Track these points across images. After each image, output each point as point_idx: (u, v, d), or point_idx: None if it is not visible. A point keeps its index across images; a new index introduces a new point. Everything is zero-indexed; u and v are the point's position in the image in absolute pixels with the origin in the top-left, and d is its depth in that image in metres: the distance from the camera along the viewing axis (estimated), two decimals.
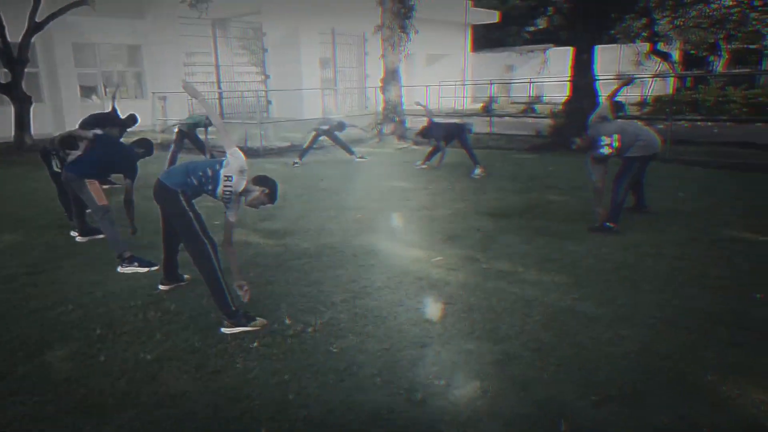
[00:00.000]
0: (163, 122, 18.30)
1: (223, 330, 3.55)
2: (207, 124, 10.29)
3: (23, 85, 13.95)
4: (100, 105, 21.22)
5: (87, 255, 5.31)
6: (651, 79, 23.01)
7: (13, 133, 14.02)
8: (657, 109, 17.36)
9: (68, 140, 6.36)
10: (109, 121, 8.97)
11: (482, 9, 31.07)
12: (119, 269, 4.81)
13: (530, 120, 18.26)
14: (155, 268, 4.70)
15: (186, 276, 4.48)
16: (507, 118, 19.79)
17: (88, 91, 21.68)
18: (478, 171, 9.08)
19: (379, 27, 14.39)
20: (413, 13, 14.39)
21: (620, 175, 5.63)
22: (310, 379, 2.96)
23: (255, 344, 3.37)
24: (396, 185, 8.51)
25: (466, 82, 26.99)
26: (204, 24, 22.53)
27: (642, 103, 20.52)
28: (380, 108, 15.24)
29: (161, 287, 4.36)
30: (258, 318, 3.66)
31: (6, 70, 14.05)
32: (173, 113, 19.72)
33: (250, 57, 28.32)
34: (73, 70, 20.29)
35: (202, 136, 10.58)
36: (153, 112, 19.84)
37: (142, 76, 22.85)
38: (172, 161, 9.82)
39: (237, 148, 3.80)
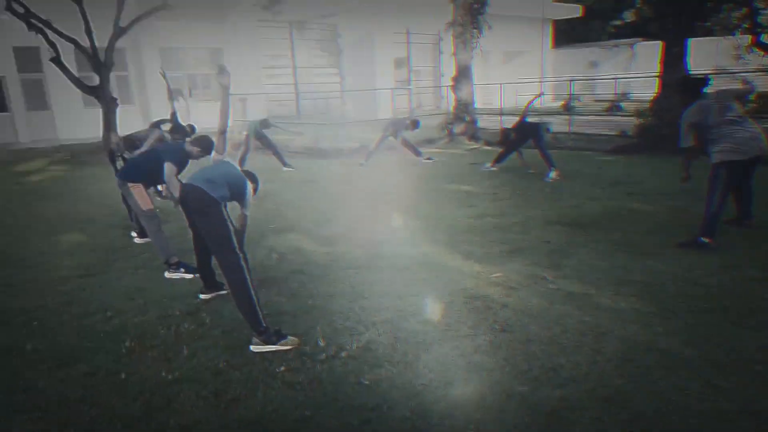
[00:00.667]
0: (240, 123, 18.73)
1: (252, 348, 3.28)
2: (262, 126, 10.30)
3: (111, 87, 14.69)
4: (186, 107, 22.17)
5: (141, 258, 5.26)
6: (754, 75, 20.85)
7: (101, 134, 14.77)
8: (761, 106, 15.62)
9: (130, 141, 6.41)
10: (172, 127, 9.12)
11: (564, 3, 29.61)
12: (166, 275, 4.70)
13: (615, 119, 17.04)
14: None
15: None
16: (589, 117, 18.63)
17: (174, 93, 22.62)
18: (552, 174, 8.39)
19: (451, 23, 13.89)
20: (486, 9, 13.75)
21: (710, 182, 4.81)
22: (332, 418, 2.60)
23: (282, 369, 3.06)
24: (461, 189, 8.01)
25: (544, 79, 25.75)
26: (282, 27, 22.92)
27: (744, 100, 18.59)
28: (451, 107, 14.71)
29: (201, 296, 4.18)
30: (290, 336, 3.37)
31: (94, 73, 14.82)
32: (253, 115, 20.19)
33: (327, 58, 28.63)
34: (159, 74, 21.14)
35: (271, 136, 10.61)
36: (233, 114, 20.35)
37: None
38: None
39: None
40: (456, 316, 3.67)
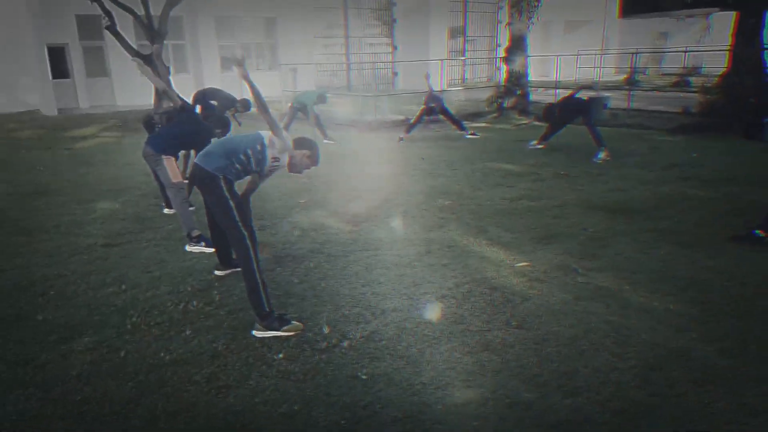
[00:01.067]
0: (292, 94, 18.77)
1: (254, 332, 3.18)
2: (318, 101, 10.15)
3: (166, 56, 14.90)
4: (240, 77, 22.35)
5: (166, 229, 5.27)
6: None
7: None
8: None
9: (169, 111, 6.42)
10: (212, 94, 9.13)
11: None
12: (187, 248, 4.68)
13: (681, 95, 15.91)
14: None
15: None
16: (654, 92, 17.49)
17: (227, 62, 22.82)
18: (602, 155, 7.88)
19: None
20: None
21: None
22: (321, 414, 2.46)
23: (280, 356, 2.95)
24: (501, 168, 7.64)
25: (606, 51, 24.37)
26: None
27: None
28: (503, 80, 14.12)
29: (216, 272, 4.12)
30: (294, 321, 3.25)
31: (148, 42, 15.07)
32: (302, 85, 20.16)
33: (381, 28, 28.10)
34: (214, 42, 21.35)
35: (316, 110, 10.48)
36: (283, 84, 20.44)
37: (276, 48, 23.47)
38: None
39: (284, 132, 3.44)
40: (471, 308, 3.45)
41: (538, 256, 4.32)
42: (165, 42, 19.95)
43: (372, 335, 3.14)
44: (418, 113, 10.51)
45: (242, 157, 3.36)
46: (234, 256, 4.16)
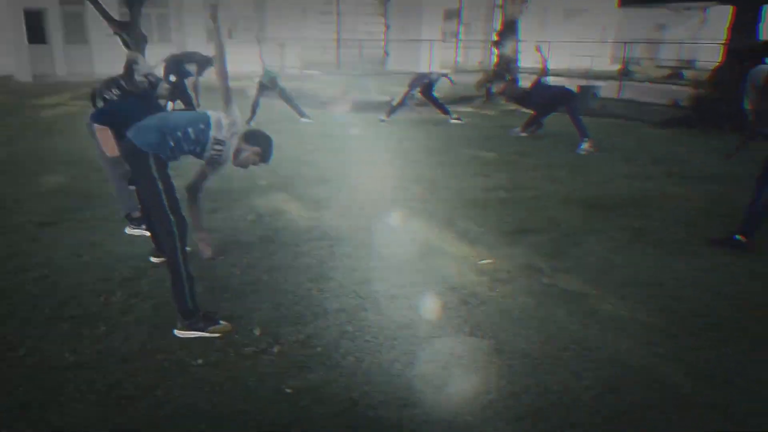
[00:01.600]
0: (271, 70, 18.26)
1: (176, 332, 2.84)
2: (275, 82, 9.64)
3: (150, 24, 14.25)
4: (221, 49, 21.71)
5: (111, 208, 4.85)
6: None
7: None
8: None
9: (110, 82, 5.97)
10: (188, 57, 8.69)
11: None
12: (126, 230, 4.32)
13: (674, 88, 15.62)
14: None
15: (207, 254, 3.84)
16: (647, 83, 17.21)
17: (213, 33, 22.09)
18: (585, 146, 7.56)
19: None
20: None
21: (764, 171, 4.02)
22: None
23: (200, 361, 2.62)
24: (480, 155, 7.31)
25: (604, 41, 23.97)
26: None
27: None
28: (492, 64, 13.71)
29: (152, 259, 3.77)
30: (222, 321, 2.91)
31: (126, 9, 14.43)
32: (290, 60, 19.60)
33: (375, 6, 27.42)
34: (200, 12, 20.60)
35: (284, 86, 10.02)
36: (267, 59, 19.83)
37: (264, 20, 22.77)
38: (253, 111, 9.39)
39: (235, 108, 3.06)
40: (422, 311, 3.13)
41: (504, 253, 4.01)
42: (149, 10, 19.35)
43: (308, 340, 2.82)
44: (402, 94, 10.10)
45: (179, 134, 2.93)
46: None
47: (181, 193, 2.97)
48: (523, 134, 8.67)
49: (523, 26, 13.61)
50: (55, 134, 8.14)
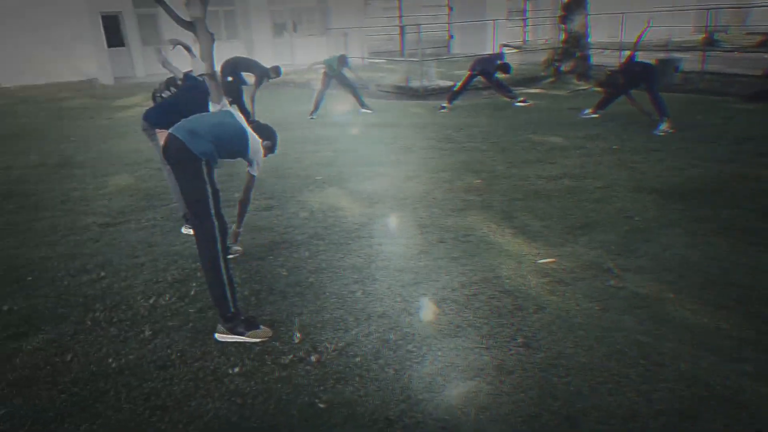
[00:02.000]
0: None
1: (217, 336, 2.80)
2: (340, 65, 9.46)
3: (219, 23, 14.58)
4: (288, 42, 22.00)
5: (170, 208, 4.96)
6: None
7: None
8: None
9: (172, 80, 6.07)
10: (247, 65, 8.72)
11: None
12: (182, 230, 4.36)
13: (766, 56, 14.16)
14: None
15: (237, 248, 3.85)
16: (735, 53, 15.72)
17: (279, 28, 22.42)
18: (663, 126, 6.95)
19: None
20: None
21: None
22: None
23: (236, 369, 2.54)
24: (546, 140, 6.88)
25: (685, 7, 22.15)
26: None
27: None
28: (560, 41, 12.99)
29: None
30: (262, 327, 2.83)
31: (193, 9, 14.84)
32: (354, 50, 19.56)
33: None
34: (265, 8, 20.95)
35: (350, 75, 9.90)
36: (336, 49, 19.95)
37: (328, 12, 22.84)
38: (317, 104, 9.35)
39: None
40: (472, 317, 2.91)
41: (567, 251, 3.69)
42: (216, 8, 19.88)
43: (347, 348, 2.68)
44: (463, 79, 9.75)
45: (228, 144, 3.07)
46: (230, 243, 3.87)
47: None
48: (595, 115, 8.11)
49: None
50: (126, 135, 8.46)
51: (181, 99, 4.54)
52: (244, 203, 3.61)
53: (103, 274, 3.64)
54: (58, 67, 18.28)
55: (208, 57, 14.58)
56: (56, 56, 18.30)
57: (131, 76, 18.50)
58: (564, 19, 12.56)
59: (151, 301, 3.24)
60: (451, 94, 9.74)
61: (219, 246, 2.83)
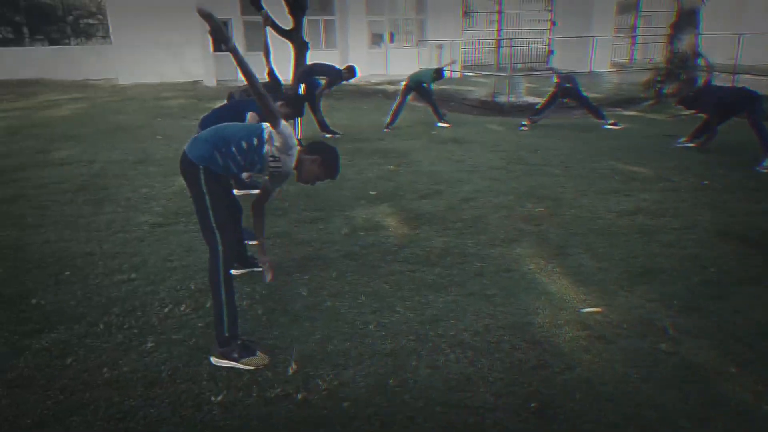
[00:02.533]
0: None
1: (212, 359, 2.68)
2: (435, 78, 9.27)
3: (314, 32, 14.94)
4: (383, 52, 22.22)
5: None
6: None
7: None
8: None
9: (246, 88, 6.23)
10: (320, 69, 8.75)
11: None
12: None
13: None
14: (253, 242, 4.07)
15: (262, 264, 3.74)
16: None
17: (376, 38, 22.69)
18: (767, 162, 6.11)
19: None
20: None
21: None
22: None
23: (219, 398, 2.41)
24: (627, 170, 6.28)
25: None
26: None
27: None
28: (664, 61, 12.00)
29: (232, 271, 3.68)
30: (259, 353, 2.68)
31: (290, 17, 15.32)
32: (448, 61, 19.38)
33: (544, 2, 26.01)
34: (363, 18, 21.29)
35: (434, 87, 9.70)
36: (429, 61, 19.87)
37: (424, 23, 22.82)
38: (395, 116, 9.23)
39: (284, 122, 2.79)
40: (488, 368, 2.59)
41: (619, 300, 3.24)
42: (317, 17, 20.47)
43: (339, 389, 2.46)
44: (547, 97, 9.24)
45: (232, 148, 2.78)
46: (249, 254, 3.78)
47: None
48: (690, 144, 7.33)
49: (712, 16, 11.69)
50: None
51: (225, 113, 4.57)
52: (256, 216, 3.17)
53: (134, 275, 3.68)
54: (170, 68, 19.67)
55: (301, 65, 14.99)
56: (168, 58, 19.71)
57: (233, 80, 19.47)
58: (672, 37, 11.59)
59: (166, 309, 3.21)
60: (534, 112, 9.25)
61: (220, 263, 2.72)
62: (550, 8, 24.71)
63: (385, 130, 9.14)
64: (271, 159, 2.85)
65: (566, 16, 23.50)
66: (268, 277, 3.17)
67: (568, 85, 8.86)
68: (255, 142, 2.82)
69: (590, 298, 3.28)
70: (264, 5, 14.54)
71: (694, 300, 3.21)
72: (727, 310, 3.09)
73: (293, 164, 2.89)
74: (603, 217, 4.72)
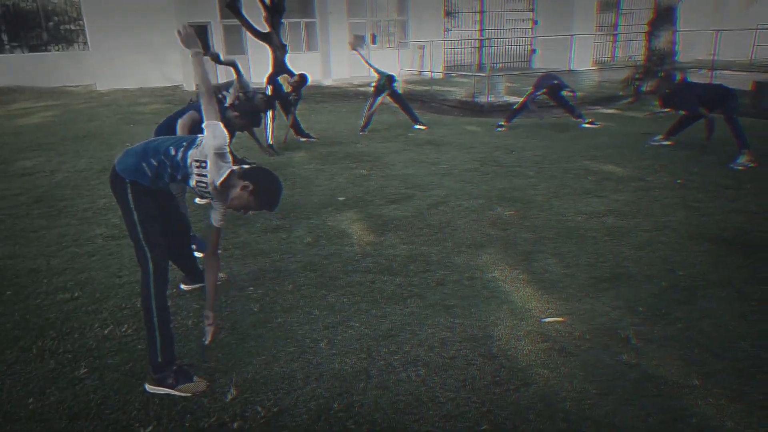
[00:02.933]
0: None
1: (146, 387, 2.50)
2: (387, 83, 9.01)
3: (299, 34, 14.69)
4: (366, 54, 22.07)
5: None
6: None
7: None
8: None
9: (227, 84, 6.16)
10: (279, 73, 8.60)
11: None
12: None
13: None
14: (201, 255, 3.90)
15: (220, 275, 3.57)
16: None
17: (358, 40, 22.51)
18: (742, 159, 6.03)
19: None
20: None
21: None
22: None
23: (149, 429, 2.24)
24: (602, 169, 6.17)
25: None
26: None
27: None
28: (642, 59, 11.96)
29: (182, 286, 3.54)
30: (196, 378, 2.51)
31: (265, 22, 15.11)
32: (431, 62, 19.28)
33: (525, 2, 26.00)
34: (344, 20, 21.11)
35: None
36: (411, 61, 19.80)
37: (406, 24, 22.70)
38: (368, 119, 9.07)
39: (219, 123, 2.57)
40: (440, 387, 2.43)
41: (584, 308, 3.10)
42: (297, 20, 20.29)
43: (279, 416, 2.29)
44: (523, 98, 9.13)
45: (161, 157, 2.55)
46: (201, 267, 3.60)
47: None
48: (667, 142, 7.25)
49: (692, 13, 11.67)
50: None
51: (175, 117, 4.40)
52: (207, 264, 2.86)
53: (78, 294, 3.49)
54: (151, 73, 19.37)
55: (279, 67, 14.79)
56: (148, 63, 19.41)
57: (214, 84, 19.22)
58: (650, 34, 11.55)
59: (106, 331, 3.02)
60: (511, 113, 9.14)
61: (151, 283, 2.54)
62: (531, 7, 24.71)
63: (361, 133, 8.99)
64: (196, 164, 2.53)
65: (548, 14, 23.52)
66: (208, 338, 2.74)
67: (555, 82, 8.75)
68: (184, 144, 2.61)
69: (553, 306, 3.14)
70: (242, 8, 14.39)
71: (660, 306, 3.09)
72: (694, 315, 2.97)
73: (223, 177, 2.52)
74: (573, 219, 4.59)
